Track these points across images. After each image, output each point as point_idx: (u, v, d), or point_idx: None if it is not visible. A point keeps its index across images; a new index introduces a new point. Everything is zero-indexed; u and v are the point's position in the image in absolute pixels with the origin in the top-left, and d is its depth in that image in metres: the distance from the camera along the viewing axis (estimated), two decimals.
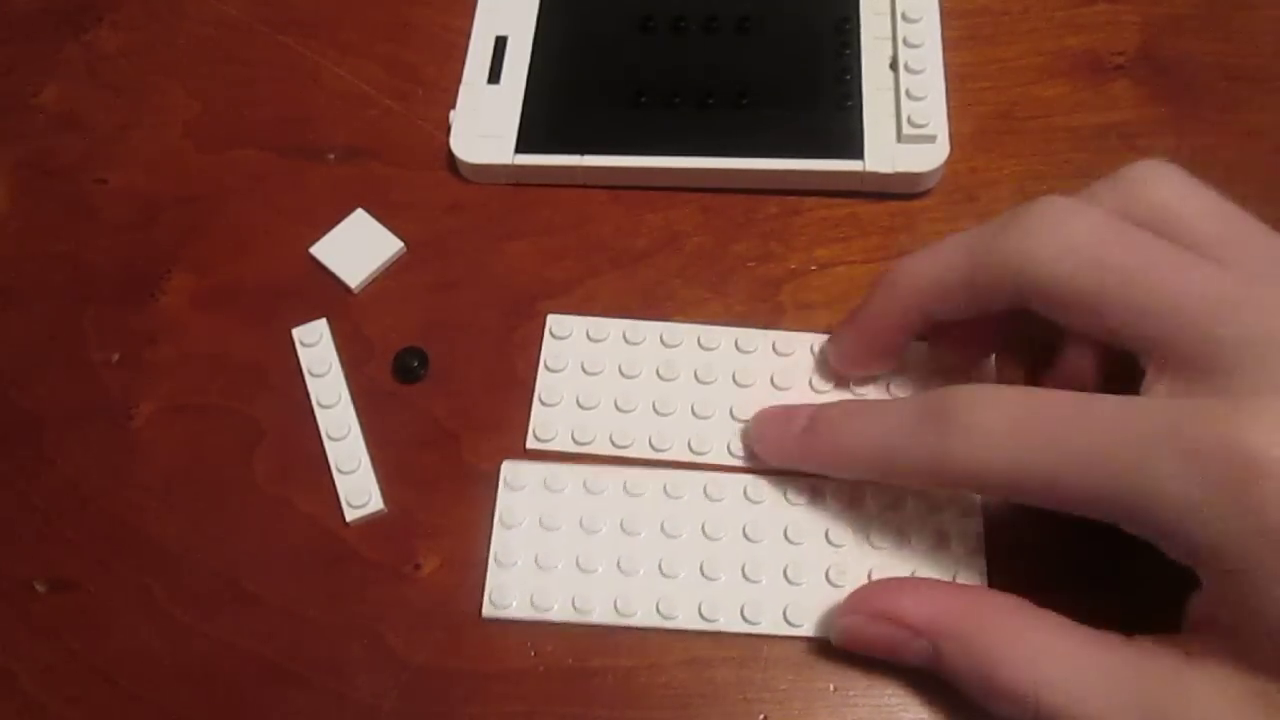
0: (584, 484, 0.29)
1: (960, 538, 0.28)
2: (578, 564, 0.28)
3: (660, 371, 0.31)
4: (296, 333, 0.32)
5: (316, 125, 0.36)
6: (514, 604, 0.28)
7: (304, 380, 0.31)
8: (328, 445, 0.30)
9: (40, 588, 0.29)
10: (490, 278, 0.33)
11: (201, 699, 0.28)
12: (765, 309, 0.32)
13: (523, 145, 0.34)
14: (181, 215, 0.35)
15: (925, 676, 0.26)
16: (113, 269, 0.34)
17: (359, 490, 0.30)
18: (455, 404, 0.31)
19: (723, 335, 0.31)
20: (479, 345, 0.32)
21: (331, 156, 0.35)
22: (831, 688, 0.27)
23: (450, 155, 0.34)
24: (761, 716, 0.27)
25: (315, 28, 0.38)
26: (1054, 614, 0.24)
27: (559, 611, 0.28)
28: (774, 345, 0.31)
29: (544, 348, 0.31)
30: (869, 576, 0.28)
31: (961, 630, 0.24)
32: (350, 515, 0.29)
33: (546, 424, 0.30)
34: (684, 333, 0.31)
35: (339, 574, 0.29)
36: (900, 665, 0.26)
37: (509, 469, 0.30)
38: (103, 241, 0.34)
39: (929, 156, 0.32)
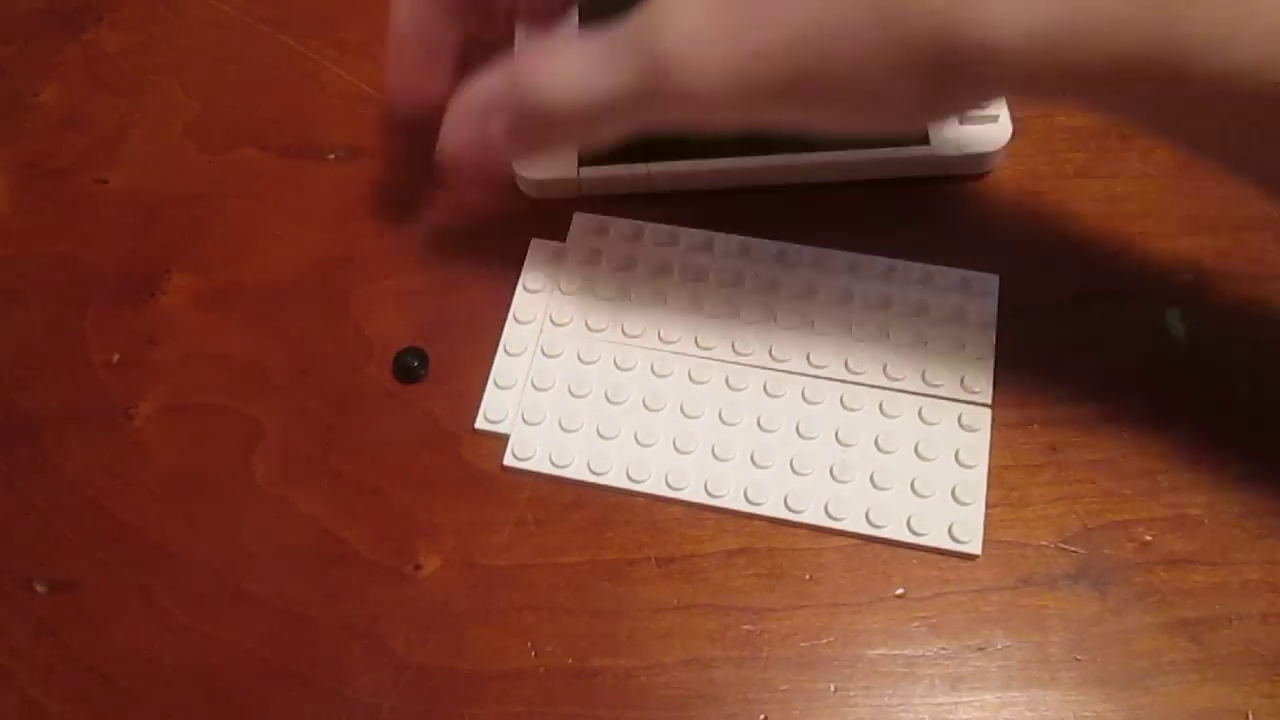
0: (614, 361, 0.31)
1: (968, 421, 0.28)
2: (598, 431, 0.30)
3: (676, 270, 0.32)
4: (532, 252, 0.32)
5: (316, 125, 0.36)
6: (534, 457, 0.29)
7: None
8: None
9: (40, 588, 0.29)
10: (490, 277, 0.33)
11: (201, 699, 0.28)
12: None
13: (585, 158, 0.33)
14: (181, 215, 0.35)
15: (924, 678, 0.27)
16: (113, 269, 0.34)
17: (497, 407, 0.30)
18: (455, 404, 0.31)
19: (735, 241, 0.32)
20: (479, 345, 0.32)
21: (332, 156, 0.35)
22: (832, 688, 0.27)
23: None
24: (762, 717, 0.27)
25: (315, 27, 0.38)
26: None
27: (575, 469, 0.29)
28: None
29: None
30: (871, 482, 0.28)
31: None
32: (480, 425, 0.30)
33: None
34: (699, 238, 0.32)
35: (339, 574, 0.29)
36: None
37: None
38: (103, 241, 0.34)
39: (993, 135, 0.32)
